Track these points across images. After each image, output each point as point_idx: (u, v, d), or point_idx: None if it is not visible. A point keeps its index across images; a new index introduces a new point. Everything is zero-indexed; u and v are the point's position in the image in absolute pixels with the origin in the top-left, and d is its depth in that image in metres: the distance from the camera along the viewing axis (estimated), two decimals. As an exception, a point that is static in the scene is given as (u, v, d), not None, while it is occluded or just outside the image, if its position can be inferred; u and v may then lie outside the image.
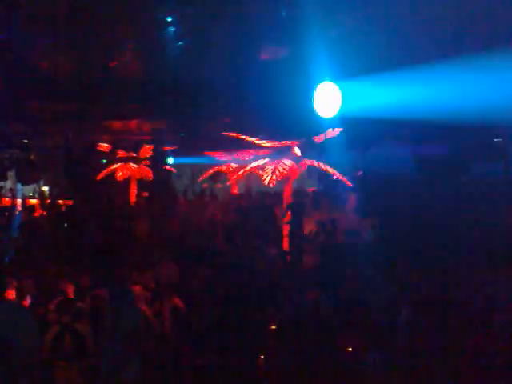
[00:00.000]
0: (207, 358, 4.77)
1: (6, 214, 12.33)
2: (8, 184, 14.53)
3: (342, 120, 6.98)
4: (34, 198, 15.07)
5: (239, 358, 4.73)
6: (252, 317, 5.31)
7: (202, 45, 5.95)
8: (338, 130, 7.86)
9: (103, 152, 12.30)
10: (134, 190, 12.94)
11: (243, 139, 8.68)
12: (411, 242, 7.44)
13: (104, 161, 12.65)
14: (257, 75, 6.19)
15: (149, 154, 12.29)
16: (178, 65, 6.81)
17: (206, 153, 12.82)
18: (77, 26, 5.93)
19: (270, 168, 8.64)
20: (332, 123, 7.36)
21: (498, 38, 4.90)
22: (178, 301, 5.56)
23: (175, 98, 8.26)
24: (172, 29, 5.92)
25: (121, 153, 12.31)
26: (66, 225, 10.73)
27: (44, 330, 4.49)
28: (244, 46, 5.76)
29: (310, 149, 8.64)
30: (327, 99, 6.25)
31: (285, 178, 8.89)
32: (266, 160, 8.86)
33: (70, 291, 5.68)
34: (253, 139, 8.63)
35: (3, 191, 14.24)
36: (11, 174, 13.85)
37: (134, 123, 10.77)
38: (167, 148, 12.41)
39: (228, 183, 12.82)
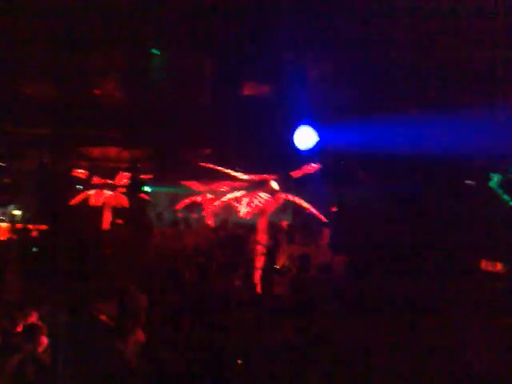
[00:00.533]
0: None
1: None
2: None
3: (319, 156, 7.16)
4: (3, 221, 14.81)
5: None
6: (218, 349, 5.26)
7: (185, 77, 6.07)
8: (314, 166, 8.02)
9: (79, 178, 12.23)
10: (107, 217, 12.83)
11: (221, 171, 8.78)
12: (384, 279, 7.54)
13: (80, 186, 12.56)
14: (238, 110, 6.34)
15: (125, 182, 12.27)
16: (159, 94, 6.91)
17: (183, 182, 12.87)
18: (58, 53, 5.99)
19: (245, 200, 8.72)
20: (309, 159, 7.52)
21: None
22: (140, 334, 5.43)
23: (154, 127, 8.33)
24: (155, 59, 6.03)
25: (96, 179, 12.25)
26: (35, 249, 10.54)
27: (7, 356, 4.38)
28: (226, 81, 5.91)
29: (286, 183, 8.78)
30: (305, 135, 6.42)
31: (260, 211, 8.96)
32: (243, 192, 8.95)
33: (34, 318, 5.56)
34: (230, 171, 8.73)
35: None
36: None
37: (112, 150, 10.78)
38: (144, 176, 12.41)
39: (203, 214, 12.84)
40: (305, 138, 6.56)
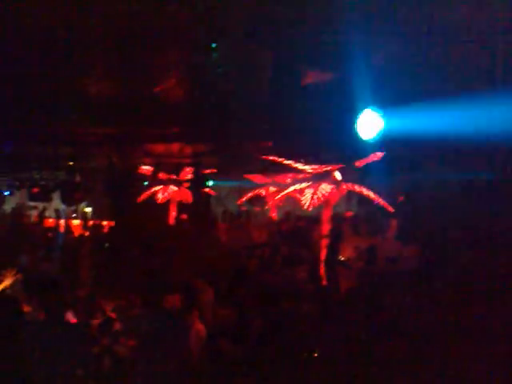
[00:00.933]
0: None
1: (50, 234, 12.73)
2: (52, 205, 15.06)
3: (385, 144, 6.92)
4: (76, 218, 15.55)
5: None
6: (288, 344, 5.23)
7: (245, 69, 6.05)
8: (380, 154, 7.78)
9: (145, 174, 12.55)
10: (173, 213, 13.11)
11: (283, 163, 8.70)
12: (456, 270, 7.23)
13: (145, 183, 12.89)
14: (299, 99, 6.23)
15: (189, 177, 12.47)
16: (221, 88, 6.93)
17: (246, 175, 12.93)
18: (121, 52, 6.11)
19: (309, 192, 8.60)
20: (374, 147, 7.29)
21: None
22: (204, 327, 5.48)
23: (217, 122, 8.38)
24: (215, 54, 6.03)
25: (162, 175, 12.52)
26: (106, 245, 10.98)
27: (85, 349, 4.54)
28: (287, 70, 5.81)
29: (350, 173, 8.57)
30: (370, 123, 6.23)
31: (324, 202, 8.82)
32: (306, 184, 8.83)
33: (109, 312, 5.77)
34: (293, 163, 8.63)
35: (47, 212, 14.75)
36: (55, 195, 14.35)
37: (175, 146, 10.98)
38: (207, 171, 12.57)
39: (267, 207, 12.84)
40: (369, 125, 6.36)
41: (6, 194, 15.14)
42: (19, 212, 14.60)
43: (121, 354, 4.56)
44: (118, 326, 5.18)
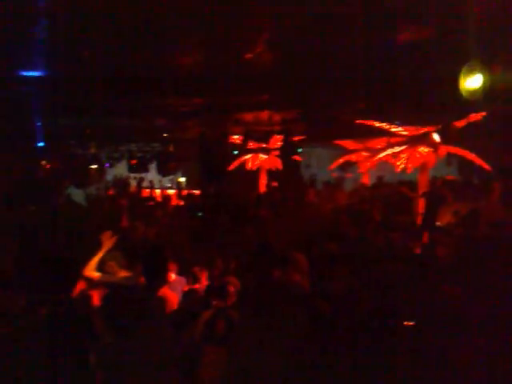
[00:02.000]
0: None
1: (147, 203, 13.44)
2: (149, 176, 15.87)
3: (487, 102, 6.52)
4: (171, 188, 16.29)
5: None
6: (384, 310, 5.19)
7: (336, 30, 5.89)
8: (481, 114, 7.35)
9: (235, 143, 12.81)
10: (263, 181, 13.32)
11: (377, 126, 8.49)
12: None
13: (235, 152, 13.16)
14: (395, 58, 6.00)
15: (279, 144, 12.56)
16: (310, 53, 6.83)
17: (337, 141, 12.78)
18: (210, 21, 6.18)
19: (404, 155, 8.36)
20: (475, 106, 6.90)
21: None
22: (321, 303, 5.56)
23: (305, 87, 8.30)
24: (305, 16, 5.93)
25: (251, 144, 12.71)
26: (200, 214, 11.41)
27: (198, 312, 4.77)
28: (382, 27, 5.59)
29: (449, 134, 8.19)
30: (471, 82, 5.88)
31: (421, 166, 8.54)
32: (401, 148, 8.59)
33: (204, 278, 6.02)
34: (387, 126, 8.40)
35: (144, 183, 15.57)
36: (152, 166, 15.09)
37: (264, 114, 11.05)
38: (297, 137, 12.57)
39: (359, 172, 12.66)
40: (470, 83, 6.00)
41: (106, 166, 16.13)
42: (119, 183, 15.57)
43: (234, 318, 4.67)
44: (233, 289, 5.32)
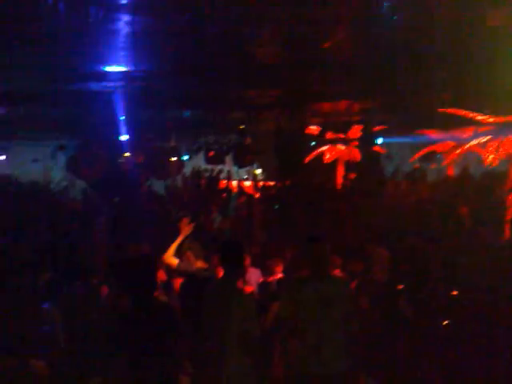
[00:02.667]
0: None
1: (224, 195, 13.70)
2: (226, 167, 16.15)
3: None
4: (247, 180, 16.48)
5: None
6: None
7: (418, 18, 5.69)
8: None
9: (312, 134, 12.73)
10: (341, 172, 13.15)
11: (463, 115, 8.11)
12: None
13: (313, 143, 13.08)
14: (479, 44, 5.70)
15: (358, 135, 12.32)
16: (390, 41, 6.64)
17: (419, 131, 12.36)
18: (288, 12, 6.16)
19: (493, 146, 7.95)
20: None
21: None
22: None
23: (384, 76, 8.11)
24: (385, 5, 5.78)
25: (329, 134, 12.57)
26: (276, 206, 11.48)
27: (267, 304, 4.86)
28: (465, 14, 5.33)
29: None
30: None
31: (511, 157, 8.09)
32: (489, 137, 8.16)
33: (279, 270, 6.05)
34: (474, 115, 8.01)
35: (222, 174, 15.88)
36: (229, 157, 15.34)
37: (343, 104, 10.90)
38: (377, 128, 12.27)
39: (443, 164, 12.17)
40: None
41: (185, 158, 16.60)
42: (197, 174, 15.96)
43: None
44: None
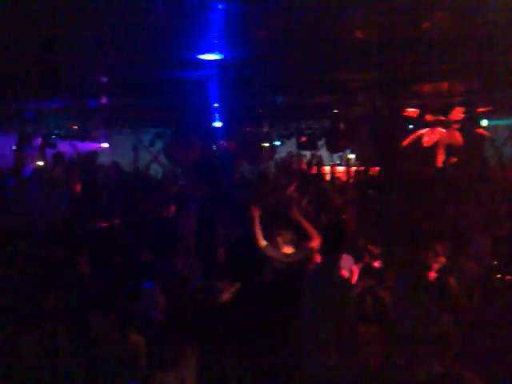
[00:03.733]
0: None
1: (317, 181, 13.67)
2: (318, 153, 16.10)
3: None
4: (340, 165, 16.33)
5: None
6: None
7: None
8: None
9: (410, 117, 12.31)
10: (441, 156, 12.62)
11: None
12: None
13: (410, 126, 12.65)
14: None
15: (459, 117, 11.73)
16: (492, 16, 6.27)
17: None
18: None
19: None
20: None
21: None
22: None
23: (490, 54, 7.68)
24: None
25: (428, 117, 12.08)
26: (370, 192, 11.28)
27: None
28: None
29: None
30: None
31: None
32: None
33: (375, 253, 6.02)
34: None
35: (314, 160, 15.85)
36: (321, 143, 15.27)
37: (444, 85, 10.44)
38: (481, 109, 11.62)
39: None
40: None
41: (277, 144, 16.74)
42: (289, 160, 16.04)
43: (383, 297, 4.70)
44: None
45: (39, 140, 12.94)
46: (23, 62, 7.50)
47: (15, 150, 11.91)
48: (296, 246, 5.88)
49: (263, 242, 5.80)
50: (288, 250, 5.79)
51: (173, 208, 9.10)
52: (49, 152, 12.14)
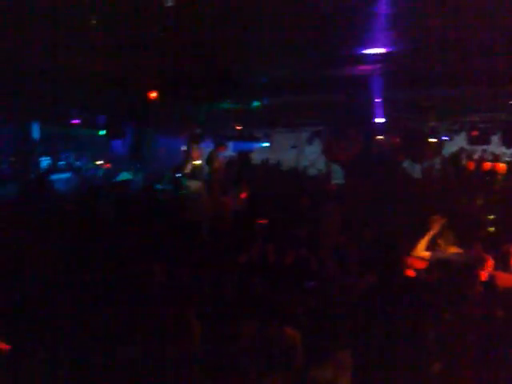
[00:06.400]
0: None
1: (488, 178, 12.90)
2: (491, 148, 15.14)
3: None
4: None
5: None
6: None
7: None
8: None
9: None
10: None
11: None
12: None
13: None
14: None
15: None
16: None
17: None
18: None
19: None
20: None
21: None
22: None
23: None
24: None
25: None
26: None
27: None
28: None
29: None
30: None
31: None
32: None
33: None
34: None
35: (486, 156, 14.94)
36: (495, 137, 14.34)
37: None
38: None
39: None
40: None
41: (445, 138, 16.02)
42: (458, 157, 15.29)
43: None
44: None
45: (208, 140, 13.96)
46: (197, 66, 8.26)
47: (185, 150, 13.04)
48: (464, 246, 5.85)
49: (425, 253, 5.85)
50: (453, 249, 5.79)
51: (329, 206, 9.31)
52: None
